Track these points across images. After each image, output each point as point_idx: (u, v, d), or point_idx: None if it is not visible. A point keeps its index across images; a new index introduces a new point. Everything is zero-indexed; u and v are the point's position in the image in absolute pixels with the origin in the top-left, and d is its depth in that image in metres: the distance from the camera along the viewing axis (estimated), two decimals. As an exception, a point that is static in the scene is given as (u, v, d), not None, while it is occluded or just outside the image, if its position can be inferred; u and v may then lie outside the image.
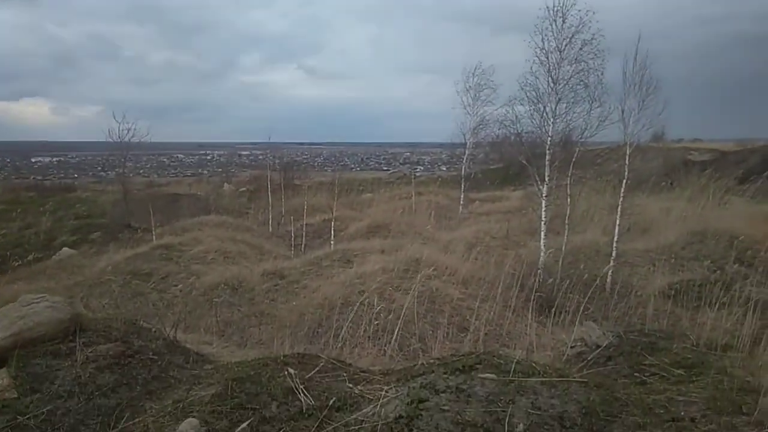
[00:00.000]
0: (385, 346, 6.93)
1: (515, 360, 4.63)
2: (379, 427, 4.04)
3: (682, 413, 3.82)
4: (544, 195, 9.04)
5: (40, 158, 78.42)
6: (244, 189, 25.27)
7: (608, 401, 4.09)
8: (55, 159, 78.92)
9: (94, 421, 4.40)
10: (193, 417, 4.13)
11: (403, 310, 7.51)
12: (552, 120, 9.35)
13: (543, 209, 8.99)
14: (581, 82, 9.21)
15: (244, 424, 3.94)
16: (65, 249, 13.32)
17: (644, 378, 4.58)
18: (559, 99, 9.30)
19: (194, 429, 4.00)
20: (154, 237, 12.67)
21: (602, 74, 9.25)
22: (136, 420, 4.33)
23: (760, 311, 5.14)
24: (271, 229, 15.72)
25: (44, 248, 13.90)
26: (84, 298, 8.52)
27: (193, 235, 12.44)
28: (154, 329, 6.16)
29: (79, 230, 15.30)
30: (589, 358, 5.34)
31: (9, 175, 48.85)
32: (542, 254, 8.82)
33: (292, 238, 13.71)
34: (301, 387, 4.58)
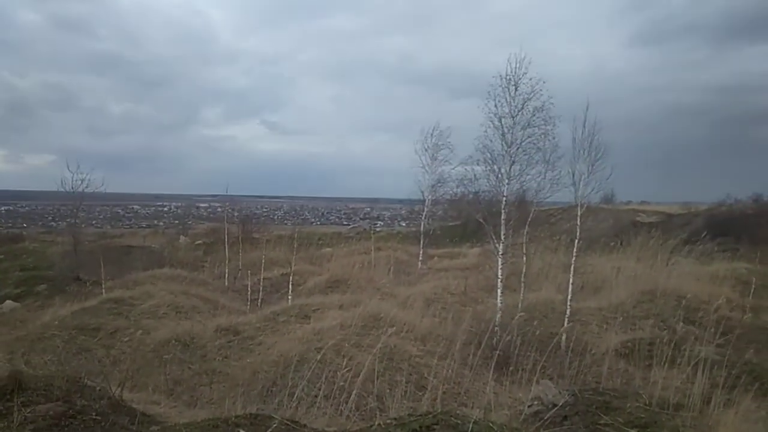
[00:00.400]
0: (342, 405, 6.77)
1: (473, 420, 4.60)
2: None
3: (637, 475, 3.84)
4: (500, 253, 9.21)
5: (-12, 207, 75.50)
6: (200, 242, 24.82)
7: (565, 462, 4.08)
8: (3, 208, 76.05)
9: (28, 489, 4.11)
10: (137, 484, 3.91)
11: (362, 369, 7.40)
12: (507, 181, 9.64)
13: (499, 267, 9.13)
14: (534, 146, 9.59)
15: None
16: (8, 302, 12.68)
17: (599, 438, 4.61)
18: (513, 161, 9.63)
19: (137, 496, 3.77)
20: (103, 290, 12.22)
21: (554, 138, 9.67)
22: (74, 488, 4.06)
23: (708, 370, 5.28)
24: (227, 283, 15.39)
25: (-15, 301, 13.23)
26: (25, 354, 8.07)
27: (146, 288, 12.06)
28: (98, 387, 5.88)
29: (24, 282, 14.64)
30: (545, 418, 5.34)
31: (-46, 223, 46.78)
32: (499, 312, 8.91)
33: (249, 293, 13.43)
34: (253, 451, 4.41)
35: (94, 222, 48.21)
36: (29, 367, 6.88)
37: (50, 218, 56.07)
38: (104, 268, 13.20)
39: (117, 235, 31.29)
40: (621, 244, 15.56)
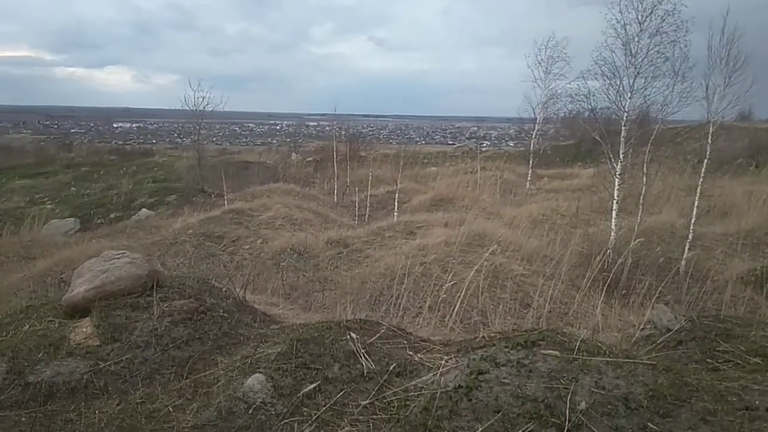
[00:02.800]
0: (446, 317, 6.94)
1: (580, 338, 4.54)
2: (438, 394, 4.08)
3: (757, 402, 3.64)
4: (617, 173, 8.69)
5: (121, 124, 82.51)
6: (310, 159, 25.68)
7: (677, 385, 3.95)
8: (135, 125, 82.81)
9: (169, 370, 4.68)
10: (260, 373, 4.32)
11: (466, 284, 7.49)
12: (629, 95, 8.92)
13: (616, 188, 8.65)
14: (662, 55, 8.72)
15: (312, 386, 4.07)
16: (144, 210, 14.03)
17: (717, 364, 4.38)
18: (638, 73, 8.84)
19: (261, 384, 4.18)
20: (225, 202, 13.14)
21: (686, 47, 8.71)
22: (207, 372, 4.57)
23: None
24: (336, 199, 15.96)
25: (124, 209, 14.73)
26: (160, 256, 8.98)
27: (262, 201, 12.81)
28: (224, 289, 6.45)
29: (156, 193, 16.08)
30: (658, 342, 5.16)
31: (93, 139, 51.76)
32: (613, 234, 8.53)
33: (357, 208, 13.87)
34: (363, 351, 4.68)
35: (214, 139, 51.30)
36: (164, 268, 7.66)
37: (176, 135, 60.38)
38: (225, 182, 14.12)
39: (235, 151, 33.14)
40: (756, 166, 14.11)
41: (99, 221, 13.70)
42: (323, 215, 12.93)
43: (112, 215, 13.89)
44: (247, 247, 10.04)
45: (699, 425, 3.56)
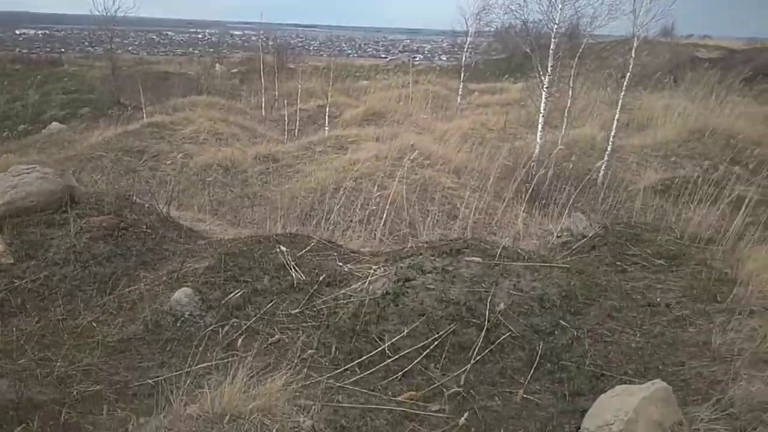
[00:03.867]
0: (376, 230, 7.05)
1: (501, 246, 4.75)
2: (366, 301, 4.20)
3: (659, 299, 3.98)
4: (545, 86, 8.82)
5: (25, 30, 74.96)
6: (236, 71, 24.49)
7: (588, 286, 4.25)
8: (40, 32, 75.46)
9: (90, 287, 4.54)
10: (187, 287, 4.27)
11: (395, 197, 7.57)
12: (560, 5, 8.90)
13: (543, 101, 8.80)
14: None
15: (237, 293, 4.08)
16: (55, 123, 13.09)
17: (625, 267, 4.73)
18: (569, -17, 8.79)
19: (188, 297, 4.14)
20: (144, 115, 12.44)
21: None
22: (132, 288, 4.47)
23: (746, 209, 5.20)
24: (264, 113, 15.44)
25: (33, 122, 13.68)
26: (75, 172, 8.50)
27: (185, 114, 12.21)
28: (147, 205, 6.22)
29: (67, 105, 14.97)
30: (573, 247, 5.48)
31: (-7, 46, 46.97)
32: (538, 147, 8.77)
33: (286, 123, 13.50)
34: (293, 263, 4.71)
35: (130, 48, 47.66)
36: (81, 184, 7.26)
37: (87, 43, 55.65)
38: (143, 94, 13.30)
39: (153, 61, 31.00)
40: (675, 81, 14.69)
41: (5, 134, 12.68)
42: (251, 130, 12.52)
43: (19, 128, 12.87)
44: (169, 162, 9.65)
45: (606, 320, 3.88)
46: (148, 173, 9.20)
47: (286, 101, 15.38)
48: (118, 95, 15.28)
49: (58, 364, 3.57)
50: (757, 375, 2.98)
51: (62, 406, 3.00)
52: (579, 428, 2.93)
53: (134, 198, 6.48)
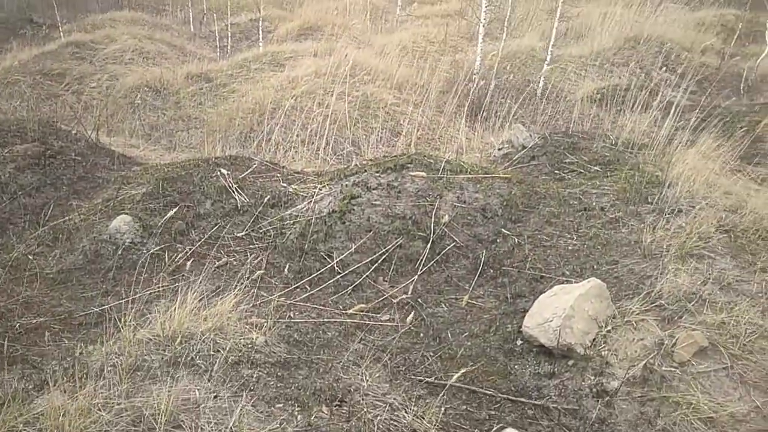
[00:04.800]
0: (319, 149, 6.94)
1: (445, 160, 4.79)
2: (313, 220, 4.21)
3: (594, 203, 4.16)
4: (485, -5, 8.61)
5: None
6: (159, -17, 22.65)
7: (528, 194, 4.38)
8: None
9: (21, 219, 4.34)
10: (126, 214, 4.14)
11: (338, 116, 7.42)
12: None
13: (483, 10, 8.62)
14: None
15: (171, 212, 3.98)
16: (-41, 47, 11.89)
17: (563, 174, 4.88)
18: None
19: (128, 225, 4.03)
20: (62, 34, 11.43)
21: None
22: (66, 218, 4.30)
23: (677, 114, 5.39)
24: (193, 29, 14.47)
25: (-68, 45, 12.39)
26: (-10, 99, 7.87)
27: (106, 32, 11.29)
28: (74, 131, 5.88)
29: (-28, 25, 13.59)
30: (514, 159, 5.60)
31: None
32: (479, 59, 8.69)
33: (217, 39, 12.76)
34: (235, 186, 4.62)
35: (36, -41, 43.13)
36: (-2, 111, 6.74)
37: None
38: (58, 10, 12.15)
39: (65, -26, 28.21)
40: (612, -12, 14.63)
41: None
42: (179, 47, 11.75)
43: None
44: (94, 85, 9.00)
45: (544, 226, 4.04)
46: (72, 98, 8.57)
47: (215, 15, 14.43)
48: (30, 13, 13.93)
49: (-5, 298, 3.44)
50: (683, 268, 3.21)
51: (4, 339, 2.92)
52: (520, 327, 3.11)
53: (59, 124, 6.10)
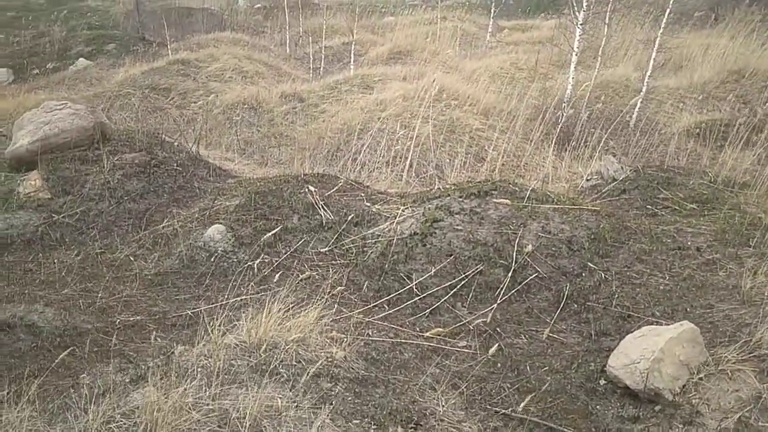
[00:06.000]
0: (403, 172, 7.04)
1: (530, 188, 4.72)
2: (394, 241, 4.26)
3: (689, 243, 3.95)
4: (579, 23, 8.47)
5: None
6: (259, 6, 23.92)
7: (617, 229, 4.23)
8: (59, -34, 74.20)
9: (126, 222, 4.68)
10: (220, 224, 4.37)
11: (422, 138, 7.50)
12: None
13: (576, 39, 8.47)
14: None
15: (270, 234, 4.16)
16: (82, 60, 13.05)
17: (656, 210, 4.68)
18: None
19: (221, 234, 4.25)
20: (169, 52, 12.33)
21: None
22: (166, 223, 4.60)
23: (784, 153, 5.06)
24: (288, 50, 15.16)
25: (60, 58, 13.67)
26: (105, 109, 8.56)
27: (209, 51, 12.05)
28: (176, 143, 6.29)
29: (93, 41, 14.87)
30: (603, 191, 5.42)
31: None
32: (570, 87, 8.52)
33: (311, 61, 13.28)
34: (321, 203, 4.77)
35: (151, -17, 46.74)
36: (110, 121, 7.33)
37: (108, -22, 54.68)
38: (167, 30, 13.12)
39: (175, -3, 30.43)
40: (716, 19, 13.96)
41: (34, 72, 12.73)
42: (275, 68, 12.35)
43: (48, 65, 12.87)
44: (196, 101, 9.63)
45: (634, 263, 3.88)
46: (176, 112, 9.21)
47: (310, 38, 15.05)
48: (143, 31, 15.11)
49: (99, 295, 3.73)
50: (786, 319, 2.99)
51: (106, 335, 3.15)
52: (604, 366, 2.99)
53: (164, 136, 6.56)
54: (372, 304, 3.72)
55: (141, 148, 5.73)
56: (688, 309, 3.34)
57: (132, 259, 4.21)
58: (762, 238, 3.74)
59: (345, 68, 12.58)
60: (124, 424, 2.12)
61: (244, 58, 11.99)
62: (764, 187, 4.60)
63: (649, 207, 4.73)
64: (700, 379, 2.79)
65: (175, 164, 5.59)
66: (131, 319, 3.49)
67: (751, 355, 2.85)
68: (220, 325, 2.86)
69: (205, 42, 13.42)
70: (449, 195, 4.74)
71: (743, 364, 2.80)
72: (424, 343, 3.31)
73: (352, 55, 12.70)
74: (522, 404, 2.58)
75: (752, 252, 3.70)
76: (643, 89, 8.12)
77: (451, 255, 4.06)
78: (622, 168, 5.77)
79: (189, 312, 3.47)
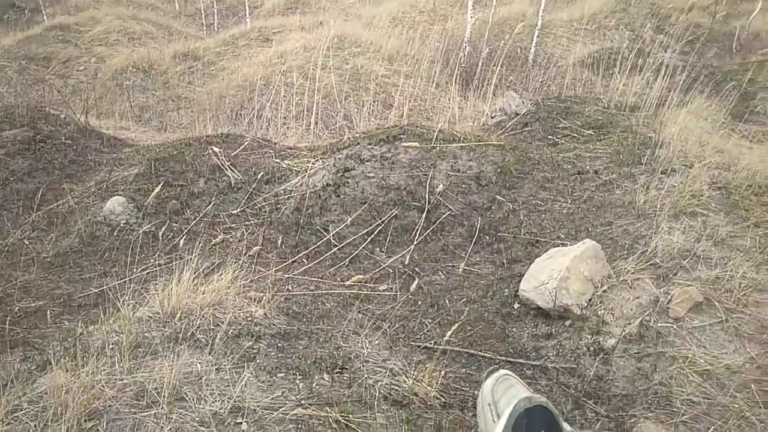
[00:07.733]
0: (310, 124, 6.90)
1: (437, 130, 4.77)
2: (307, 195, 4.20)
3: (588, 167, 4.16)
4: (472, -39, 8.47)
5: None
6: (141, -39, 22.19)
7: (521, 161, 4.38)
8: None
9: (15, 204, 4.33)
10: (119, 195, 4.13)
11: (328, 89, 7.36)
12: None
13: (471, -23, 8.48)
14: None
15: (176, 200, 3.96)
16: (-59, 34, 11.68)
17: (556, 139, 4.87)
18: None
19: (122, 206, 4.02)
20: (45, 17, 11.25)
21: None
22: (60, 201, 4.28)
23: (668, 75, 5.37)
24: (178, 7, 14.26)
25: None
26: (-24, 86, 7.76)
27: (89, 14, 11.10)
28: (63, 115, 5.82)
29: (-47, 11, 13.34)
30: (507, 126, 5.57)
31: None
32: (469, 27, 8.57)
33: (203, 17, 12.57)
34: (228, 164, 4.60)
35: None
36: (-16, 98, 6.66)
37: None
38: (39, -7, 11.95)
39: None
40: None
41: None
42: (166, 26, 11.58)
43: None
44: (81, 68, 8.89)
45: (539, 192, 4.05)
46: (60, 82, 8.47)
47: (201, -7, 14.20)
48: (10, -4, 13.71)
49: (-7, 284, 3.45)
50: (676, 227, 3.23)
51: (6, 324, 2.93)
52: (517, 291, 3.14)
53: (48, 109, 6.04)
54: (290, 260, 3.68)
55: (23, 124, 5.26)
56: (590, 228, 3.54)
57: (26, 242, 3.91)
58: (652, 156, 4.00)
59: (241, 22, 12.01)
60: (32, 410, 2.00)
61: (129, 18, 11.14)
62: (652, 108, 4.89)
63: (550, 137, 4.91)
64: (604, 291, 2.99)
65: (64, 138, 5.18)
66: (33, 305, 3.26)
67: (648, 263, 3.08)
68: (129, 300, 2.73)
69: (85, 4, 12.36)
70: (359, 143, 4.70)
71: (641, 273, 3.02)
72: (346, 291, 3.32)
73: (247, 8, 12.12)
74: (446, 336, 2.66)
75: (644, 169, 3.95)
76: (539, 24, 8.31)
77: (365, 202, 4.06)
78: (523, 102, 5.94)
79: (95, 290, 3.29)
